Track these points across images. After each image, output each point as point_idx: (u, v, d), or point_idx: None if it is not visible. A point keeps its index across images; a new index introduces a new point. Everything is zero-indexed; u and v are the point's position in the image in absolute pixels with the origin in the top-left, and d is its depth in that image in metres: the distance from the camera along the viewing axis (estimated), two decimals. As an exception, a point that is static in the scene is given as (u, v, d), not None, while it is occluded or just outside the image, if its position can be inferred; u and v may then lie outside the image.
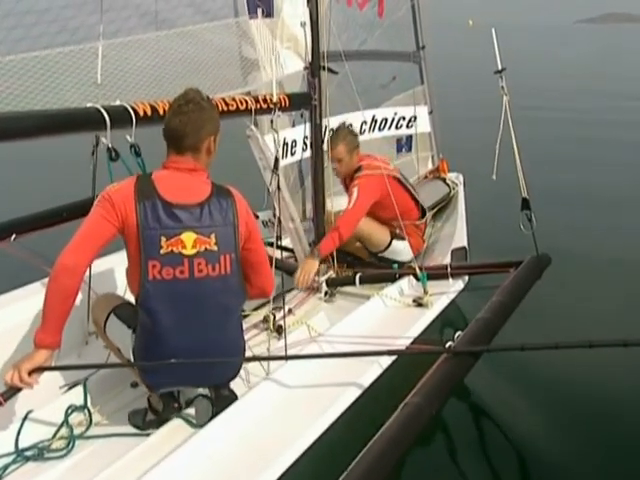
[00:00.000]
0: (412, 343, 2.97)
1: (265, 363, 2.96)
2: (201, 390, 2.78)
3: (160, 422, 2.67)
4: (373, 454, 2.02)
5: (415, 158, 5.59)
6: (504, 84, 3.44)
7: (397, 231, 4.20)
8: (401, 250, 4.22)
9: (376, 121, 5.14)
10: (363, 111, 4.86)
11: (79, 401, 2.84)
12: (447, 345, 2.65)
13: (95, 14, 2.96)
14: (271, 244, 4.48)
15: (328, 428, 2.46)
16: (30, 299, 3.03)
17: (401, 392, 2.45)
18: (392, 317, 3.38)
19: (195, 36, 3.45)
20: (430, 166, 5.75)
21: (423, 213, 4.38)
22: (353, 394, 2.64)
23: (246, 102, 3.39)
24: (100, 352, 2.94)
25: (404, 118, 5.32)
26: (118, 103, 2.85)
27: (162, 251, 2.39)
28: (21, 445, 2.57)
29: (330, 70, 3.93)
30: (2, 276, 3.89)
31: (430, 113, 5.53)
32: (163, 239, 2.39)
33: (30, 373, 2.37)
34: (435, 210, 5.27)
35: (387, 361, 2.78)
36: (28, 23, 2.63)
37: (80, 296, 3.31)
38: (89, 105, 2.73)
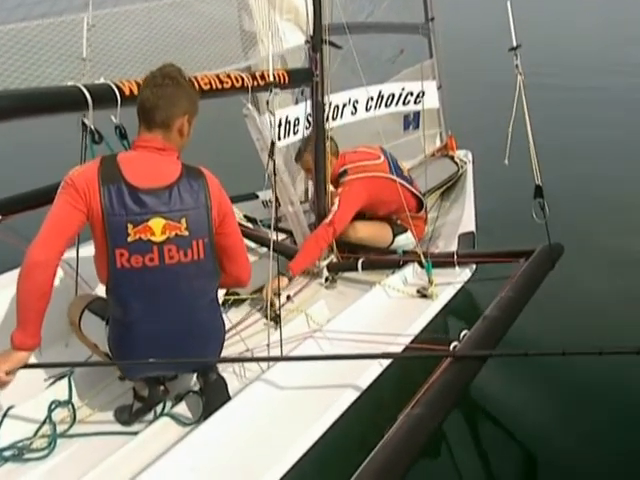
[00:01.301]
0: (415, 340, 2.80)
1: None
2: (191, 385, 2.69)
3: (148, 410, 2.58)
4: (369, 476, 1.86)
5: (422, 135, 5.36)
6: (519, 62, 3.22)
7: (398, 222, 4.03)
8: (405, 242, 4.05)
9: (382, 97, 4.91)
10: (368, 87, 4.62)
11: (64, 396, 2.71)
12: (452, 346, 2.49)
13: (79, -18, 2.75)
14: (270, 226, 4.36)
15: (325, 433, 2.32)
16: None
17: (404, 391, 2.32)
18: (395, 310, 3.22)
19: (189, 7, 3.25)
20: (438, 143, 5.56)
21: (421, 203, 4.18)
22: (352, 395, 2.49)
23: (242, 79, 3.18)
24: (88, 342, 2.80)
25: (412, 93, 5.08)
26: (102, 81, 2.65)
27: (129, 239, 2.26)
28: (0, 444, 2.44)
29: (333, 44, 3.69)
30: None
31: (439, 88, 5.31)
32: (130, 226, 2.26)
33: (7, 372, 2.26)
34: (443, 189, 5.10)
35: (388, 360, 2.63)
36: (2, -8, 2.44)
37: (67, 284, 3.20)
38: (70, 83, 2.53)
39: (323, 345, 2.80)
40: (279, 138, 4.12)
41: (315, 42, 3.60)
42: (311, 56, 3.65)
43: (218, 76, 3.09)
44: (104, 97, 2.62)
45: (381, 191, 3.89)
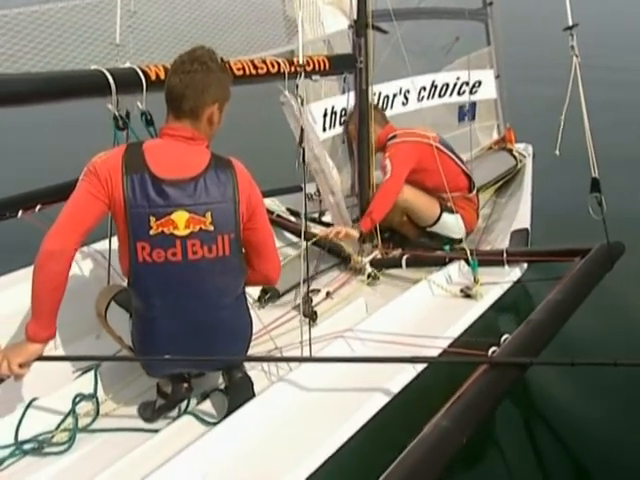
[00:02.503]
0: (452, 344, 2.60)
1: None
2: (218, 383, 2.61)
3: (171, 407, 2.52)
4: None
5: (478, 127, 5.11)
6: (574, 43, 2.97)
7: (448, 204, 3.82)
8: (452, 224, 3.87)
9: (436, 87, 4.69)
10: (421, 76, 4.44)
11: (89, 389, 2.65)
12: (490, 352, 2.28)
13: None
14: (313, 220, 4.23)
15: (347, 440, 2.16)
16: None
17: (439, 398, 2.14)
18: (435, 309, 3.01)
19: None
20: (495, 136, 5.28)
21: (472, 184, 4.00)
22: (380, 400, 2.32)
23: (278, 64, 3.04)
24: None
25: (467, 83, 4.84)
26: (128, 65, 2.56)
27: (152, 232, 2.17)
28: (21, 437, 2.41)
29: (378, 29, 3.51)
30: (25, 250, 3.72)
31: (497, 77, 5.03)
32: (152, 219, 2.16)
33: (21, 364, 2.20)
34: (499, 184, 4.85)
35: (421, 364, 2.44)
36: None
37: (99, 275, 3.15)
38: (93, 67, 2.45)
39: (354, 345, 2.63)
40: (324, 129, 3.98)
41: (359, 26, 3.42)
42: (354, 41, 3.48)
43: (252, 61, 2.96)
44: (129, 82, 2.53)
45: (428, 158, 3.76)
